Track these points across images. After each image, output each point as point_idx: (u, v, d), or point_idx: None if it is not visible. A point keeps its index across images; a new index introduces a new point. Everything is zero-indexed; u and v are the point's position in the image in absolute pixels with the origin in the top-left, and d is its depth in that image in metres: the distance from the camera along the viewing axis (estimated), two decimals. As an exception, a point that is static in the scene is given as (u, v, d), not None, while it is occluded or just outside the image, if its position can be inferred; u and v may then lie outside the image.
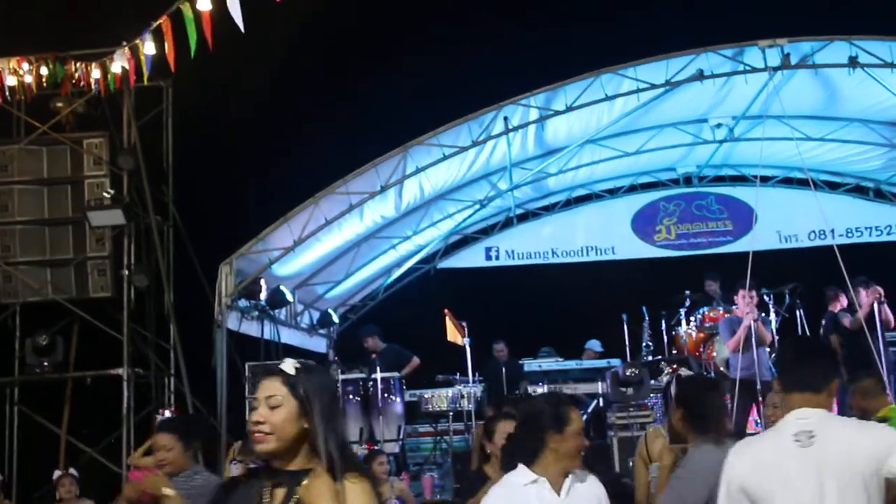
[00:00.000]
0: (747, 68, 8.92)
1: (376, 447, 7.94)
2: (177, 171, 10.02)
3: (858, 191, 12.60)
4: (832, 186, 12.56)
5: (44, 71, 8.72)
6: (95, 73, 8.41)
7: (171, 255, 9.53)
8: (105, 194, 8.94)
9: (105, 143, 9.26)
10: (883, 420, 4.31)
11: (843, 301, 8.99)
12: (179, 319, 9.22)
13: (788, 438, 2.90)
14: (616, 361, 9.81)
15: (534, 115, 9.42)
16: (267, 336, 9.77)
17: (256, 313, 9.63)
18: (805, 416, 2.93)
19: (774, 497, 2.87)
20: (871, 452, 2.83)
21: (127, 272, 9.08)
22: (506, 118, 9.35)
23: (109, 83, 8.31)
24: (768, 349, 8.63)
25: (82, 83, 8.70)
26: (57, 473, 7.20)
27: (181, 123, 10.11)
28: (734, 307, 10.24)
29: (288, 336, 10.74)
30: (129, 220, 8.94)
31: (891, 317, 8.76)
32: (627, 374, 8.38)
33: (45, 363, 8.99)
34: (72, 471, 7.32)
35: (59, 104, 9.24)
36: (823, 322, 9.25)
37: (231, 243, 9.29)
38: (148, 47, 7.47)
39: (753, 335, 8.32)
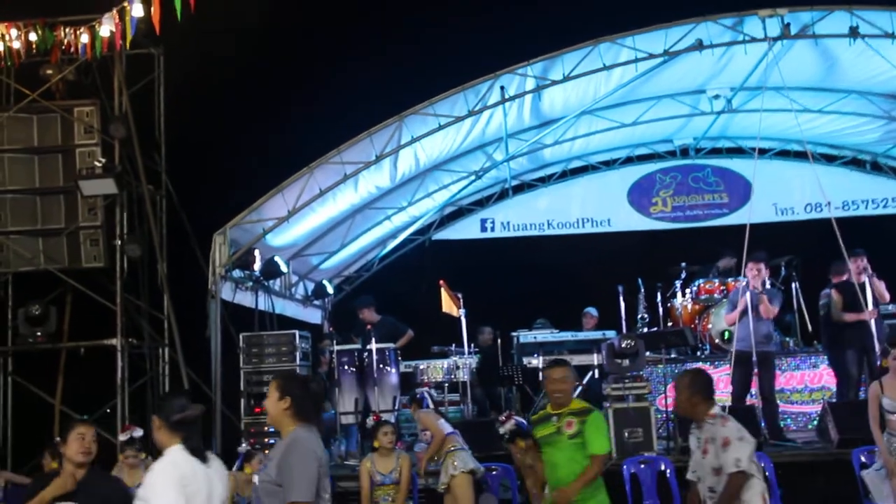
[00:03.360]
0: (747, 38, 8.83)
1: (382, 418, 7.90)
2: (169, 140, 9.91)
3: (855, 163, 12.58)
4: (829, 159, 12.53)
5: (33, 37, 8.60)
6: (84, 38, 8.28)
7: (164, 225, 9.45)
8: (96, 163, 8.83)
9: (96, 111, 9.14)
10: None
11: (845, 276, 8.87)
12: (173, 289, 9.17)
13: None
14: (612, 333, 9.80)
15: (530, 84, 9.33)
16: (261, 307, 9.73)
17: (251, 284, 9.58)
18: None
19: None
20: None
21: (119, 242, 9.00)
22: (502, 87, 9.25)
23: (97, 48, 8.19)
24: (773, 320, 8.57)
25: (72, 49, 8.57)
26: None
27: (173, 92, 9.98)
28: (730, 280, 10.26)
29: (282, 307, 10.70)
30: (121, 189, 8.84)
31: (883, 290, 8.73)
32: (623, 345, 8.35)
33: (39, 333, 8.95)
34: None
35: (49, 71, 9.11)
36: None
37: (225, 213, 9.22)
38: (136, 9, 7.41)
39: (750, 308, 8.31)
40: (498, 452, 7.28)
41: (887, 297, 8.86)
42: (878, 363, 8.06)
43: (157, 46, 9.64)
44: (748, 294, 8.31)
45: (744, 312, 8.24)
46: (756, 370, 8.37)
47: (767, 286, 8.66)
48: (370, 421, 7.48)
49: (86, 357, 9.02)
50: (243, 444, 7.58)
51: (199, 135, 11.21)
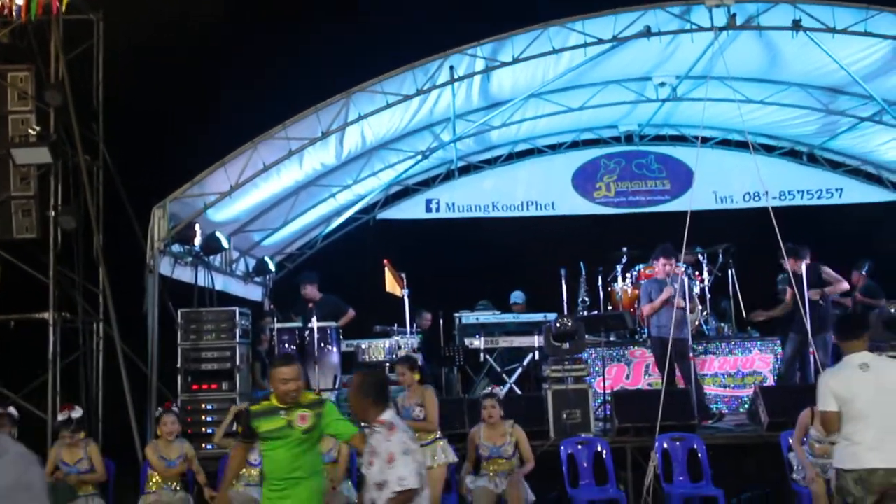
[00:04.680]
0: (694, 27, 8.93)
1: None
2: (108, 110, 9.59)
3: (793, 154, 12.89)
4: (768, 149, 12.82)
5: (-37, -4, 8.22)
6: (19, 0, 7.96)
7: (100, 196, 9.17)
8: (31, 131, 8.51)
9: (31, 77, 8.78)
10: None
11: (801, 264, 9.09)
12: (109, 263, 8.92)
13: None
14: (552, 316, 9.89)
15: (480, 65, 9.30)
16: (201, 282, 9.56)
17: (190, 259, 9.40)
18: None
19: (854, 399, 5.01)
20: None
21: (53, 213, 8.70)
22: (451, 67, 9.20)
23: (33, 11, 7.88)
24: (689, 309, 8.83)
25: (6, 11, 8.23)
26: None
27: (113, 59, 9.65)
28: (642, 267, 10.51)
29: (223, 283, 10.54)
30: (56, 158, 8.54)
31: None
32: (558, 327, 8.47)
33: (-34, 305, 8.63)
34: (11, 410, 7.17)
35: (-19, 33, 8.73)
36: (806, 274, 9.23)
37: (165, 186, 9.00)
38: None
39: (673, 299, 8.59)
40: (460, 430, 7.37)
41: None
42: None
43: (96, 11, 9.30)
44: (663, 297, 8.60)
45: (664, 302, 8.53)
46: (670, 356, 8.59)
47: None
48: None
49: (16, 331, 8.74)
50: (158, 410, 7.45)
51: (138, 104, 10.90)
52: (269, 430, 4.81)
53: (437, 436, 6.70)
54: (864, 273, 10.72)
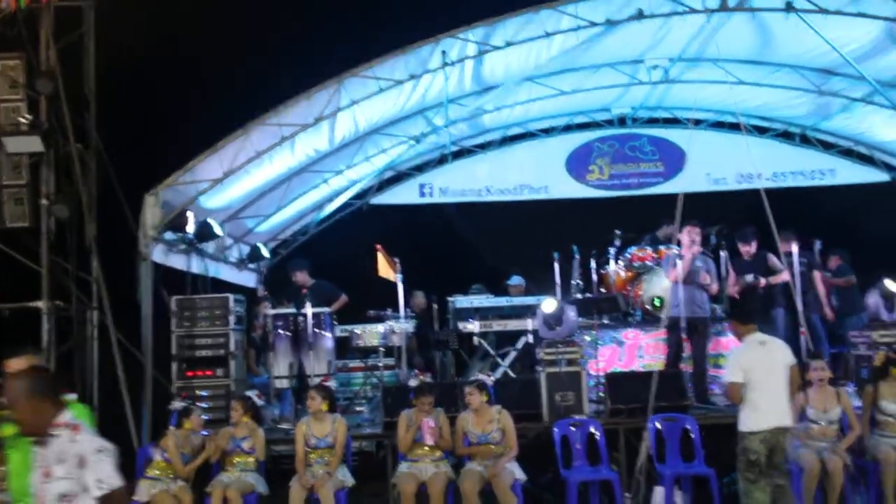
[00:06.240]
0: (686, 9, 8.91)
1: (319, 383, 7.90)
2: (99, 98, 9.55)
3: (786, 136, 12.90)
4: (761, 131, 12.82)
5: (-48, -15, 8.17)
6: (8, -12, 7.92)
7: (93, 185, 9.15)
8: (22, 119, 8.50)
9: (22, 65, 8.74)
10: None
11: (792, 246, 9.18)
12: (102, 251, 8.92)
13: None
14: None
15: (472, 49, 9.28)
16: (194, 270, 9.57)
17: (183, 246, 9.41)
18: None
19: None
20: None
21: (46, 202, 8.70)
22: (444, 52, 9.18)
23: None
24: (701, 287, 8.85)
25: (-5, 0, 8.18)
26: None
27: (104, 47, 9.61)
28: (662, 248, 10.49)
29: (216, 270, 10.55)
30: (47, 147, 8.54)
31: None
32: (546, 310, 8.53)
33: (-40, 294, 8.64)
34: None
35: (-29, 22, 8.69)
36: (805, 260, 9.41)
37: (157, 174, 8.98)
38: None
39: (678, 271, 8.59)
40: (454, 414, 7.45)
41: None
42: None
43: (87, -1, 9.27)
44: (688, 259, 8.58)
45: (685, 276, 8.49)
46: (686, 336, 8.63)
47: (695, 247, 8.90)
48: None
49: (10, 320, 8.75)
50: (176, 402, 7.50)
51: (131, 93, 10.86)
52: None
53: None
54: (838, 257, 10.90)
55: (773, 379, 6.14)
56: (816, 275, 9.76)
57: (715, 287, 9.08)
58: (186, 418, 7.19)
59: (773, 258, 9.17)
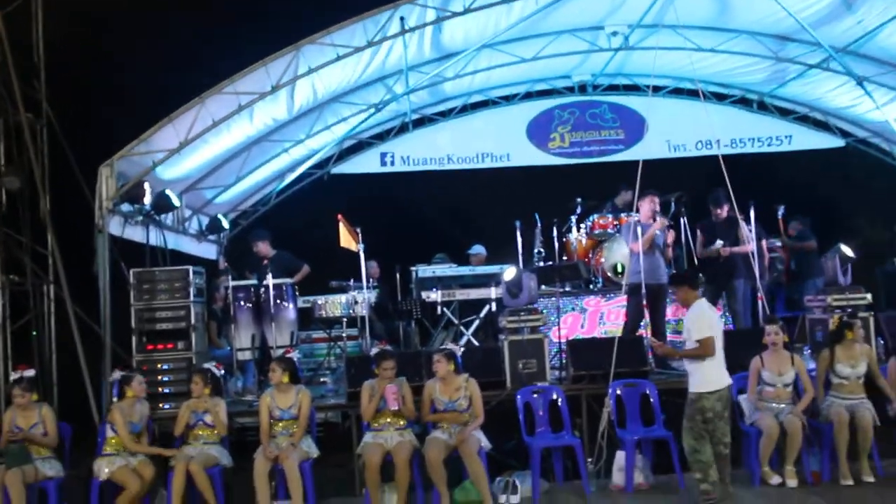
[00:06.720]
0: (644, -25, 8.90)
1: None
2: (49, 66, 9.31)
3: (743, 103, 13.02)
4: (719, 98, 12.92)
5: None
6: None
7: (45, 156, 8.94)
8: (-32, 89, 8.26)
9: (-34, 32, 8.50)
10: None
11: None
12: (58, 224, 8.74)
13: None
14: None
15: (431, 15, 9.18)
16: (153, 242, 9.43)
17: (141, 218, 9.25)
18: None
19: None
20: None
21: (-4, 174, 8.50)
22: (402, 18, 9.06)
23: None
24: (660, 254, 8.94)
25: (-64, -36, 7.89)
26: None
27: (53, 13, 9.34)
28: (623, 215, 10.56)
29: (175, 242, 10.40)
30: (-4, 117, 8.31)
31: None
32: (506, 279, 8.57)
33: None
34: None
35: (-89, -13, 8.38)
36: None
37: (112, 144, 8.78)
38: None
39: (640, 242, 8.64)
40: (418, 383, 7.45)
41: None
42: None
43: (33, -37, 8.97)
44: (652, 231, 8.65)
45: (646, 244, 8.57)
46: (646, 302, 8.73)
47: (658, 219, 8.95)
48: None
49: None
50: (115, 372, 7.39)
51: (82, 60, 10.59)
52: None
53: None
54: (798, 222, 11.11)
55: (720, 341, 6.59)
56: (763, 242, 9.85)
57: (670, 253, 9.19)
58: (127, 386, 7.10)
59: (744, 227, 9.14)
